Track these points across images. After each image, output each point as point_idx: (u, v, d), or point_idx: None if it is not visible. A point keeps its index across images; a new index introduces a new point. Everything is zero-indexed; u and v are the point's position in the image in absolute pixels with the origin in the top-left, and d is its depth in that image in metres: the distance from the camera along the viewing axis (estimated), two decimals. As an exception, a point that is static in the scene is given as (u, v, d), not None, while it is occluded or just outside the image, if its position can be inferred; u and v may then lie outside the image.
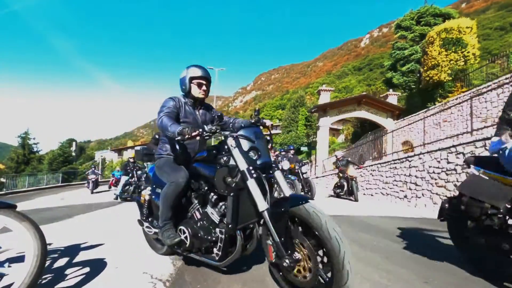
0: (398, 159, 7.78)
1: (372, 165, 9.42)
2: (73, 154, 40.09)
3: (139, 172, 8.30)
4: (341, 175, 8.58)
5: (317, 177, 16.02)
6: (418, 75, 18.49)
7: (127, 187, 8.34)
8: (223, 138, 1.77)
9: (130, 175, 8.37)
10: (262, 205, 1.57)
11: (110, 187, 12.34)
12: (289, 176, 6.95)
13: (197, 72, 2.12)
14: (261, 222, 1.66)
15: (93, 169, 12.60)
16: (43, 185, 19.29)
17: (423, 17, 19.01)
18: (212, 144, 2.88)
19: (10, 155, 33.17)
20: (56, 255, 2.38)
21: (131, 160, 8.73)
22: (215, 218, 1.80)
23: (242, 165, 1.63)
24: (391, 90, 19.46)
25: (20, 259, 1.37)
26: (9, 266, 1.38)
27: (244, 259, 2.23)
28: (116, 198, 8.30)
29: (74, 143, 47.36)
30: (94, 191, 11.65)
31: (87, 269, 2.02)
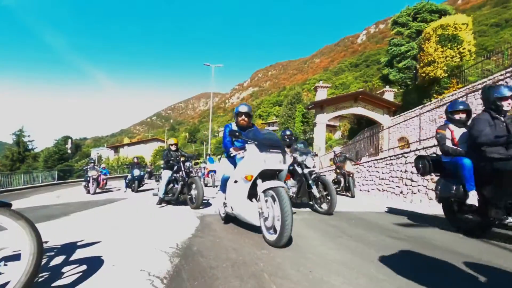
0: (394, 155, 7.83)
1: (368, 161, 9.47)
2: (69, 151, 39.77)
3: (187, 164, 5.76)
4: (338, 171, 8.62)
5: (314, 174, 16.10)
6: (414, 71, 18.57)
7: (172, 185, 5.76)
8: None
9: (176, 168, 5.75)
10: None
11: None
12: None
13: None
14: None
15: (93, 164, 10.74)
16: (38, 183, 19.17)
17: (419, 14, 19.07)
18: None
19: (4, 152, 32.77)
20: (52, 253, 2.37)
21: (173, 148, 6.11)
22: None
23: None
24: (387, 86, 19.57)
25: (16, 257, 1.36)
26: (5, 265, 1.37)
27: (241, 256, 2.24)
28: (160, 203, 5.77)
29: (69, 141, 46.94)
30: (94, 192, 9.77)
31: (84, 267, 2.01)
